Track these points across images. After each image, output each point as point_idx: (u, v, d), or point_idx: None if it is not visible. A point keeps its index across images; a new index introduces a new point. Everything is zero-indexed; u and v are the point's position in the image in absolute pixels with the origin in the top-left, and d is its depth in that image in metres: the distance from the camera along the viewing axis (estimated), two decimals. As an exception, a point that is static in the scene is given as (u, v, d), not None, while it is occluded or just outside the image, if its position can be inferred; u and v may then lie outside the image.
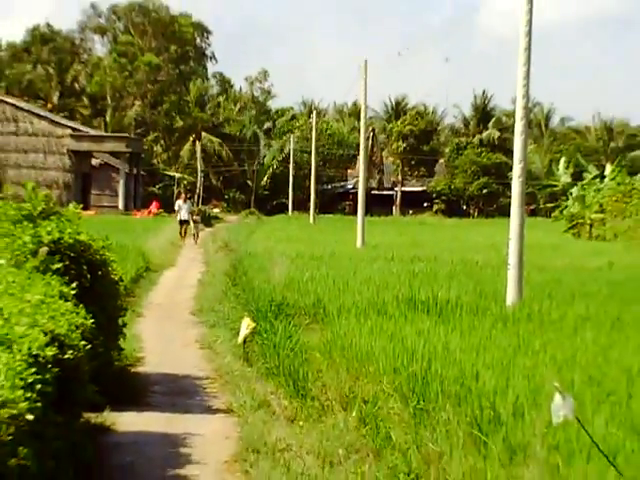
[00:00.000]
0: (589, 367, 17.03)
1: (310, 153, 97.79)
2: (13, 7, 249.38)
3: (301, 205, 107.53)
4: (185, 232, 64.37)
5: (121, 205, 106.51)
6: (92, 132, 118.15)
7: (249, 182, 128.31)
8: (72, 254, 18.19)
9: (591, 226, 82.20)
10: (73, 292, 15.56)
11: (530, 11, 27.74)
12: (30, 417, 9.09)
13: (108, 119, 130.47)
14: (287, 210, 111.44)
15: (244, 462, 15.08)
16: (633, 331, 22.13)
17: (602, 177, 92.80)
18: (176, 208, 68.88)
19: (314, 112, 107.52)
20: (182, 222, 65.66)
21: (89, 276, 18.45)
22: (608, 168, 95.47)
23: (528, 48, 28.19)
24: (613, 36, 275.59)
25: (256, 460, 14.84)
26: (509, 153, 33.30)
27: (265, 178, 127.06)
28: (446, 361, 17.39)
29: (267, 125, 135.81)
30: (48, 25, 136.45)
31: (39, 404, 9.52)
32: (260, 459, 14.83)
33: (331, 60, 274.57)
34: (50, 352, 10.86)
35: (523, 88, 28.87)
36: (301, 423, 17.21)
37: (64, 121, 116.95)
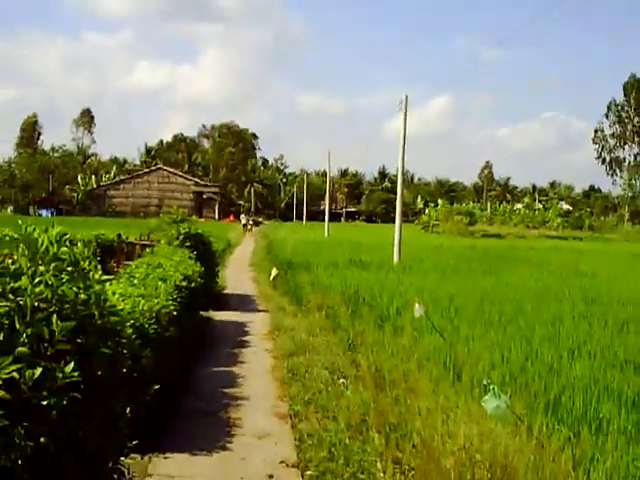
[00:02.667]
0: (431, 292, 22.00)
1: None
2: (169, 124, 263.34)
3: (299, 217, 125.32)
4: (245, 230, 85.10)
5: (216, 217, 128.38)
6: (202, 183, 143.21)
7: (275, 205, 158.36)
8: (194, 238, 23.89)
9: (433, 226, 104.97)
10: (194, 255, 20.74)
11: (404, 127, 36.54)
12: (175, 313, 11.89)
13: (210, 177, 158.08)
14: (292, 219, 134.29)
15: (273, 334, 19.95)
16: (451, 276, 28.07)
17: (436, 205, 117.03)
18: (241, 218, 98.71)
19: (305, 175, 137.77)
20: (244, 225, 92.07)
21: (201, 248, 23.87)
22: (440, 201, 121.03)
23: (403, 145, 37.05)
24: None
25: (278, 334, 19.58)
26: (395, 193, 41.95)
27: (282, 204, 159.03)
28: (365, 288, 22.50)
29: (284, 180, 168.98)
30: (182, 134, 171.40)
31: (180, 307, 12.61)
32: (280, 333, 19.51)
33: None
34: (184, 283, 14.64)
35: (401, 162, 38.39)
36: (299, 317, 22.02)
37: (190, 177, 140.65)
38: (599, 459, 7.79)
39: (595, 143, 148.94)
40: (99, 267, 6.14)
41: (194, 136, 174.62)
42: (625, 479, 7.38)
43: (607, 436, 8.68)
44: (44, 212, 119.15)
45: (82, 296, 5.31)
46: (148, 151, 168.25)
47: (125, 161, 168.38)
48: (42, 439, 4.15)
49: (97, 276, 5.94)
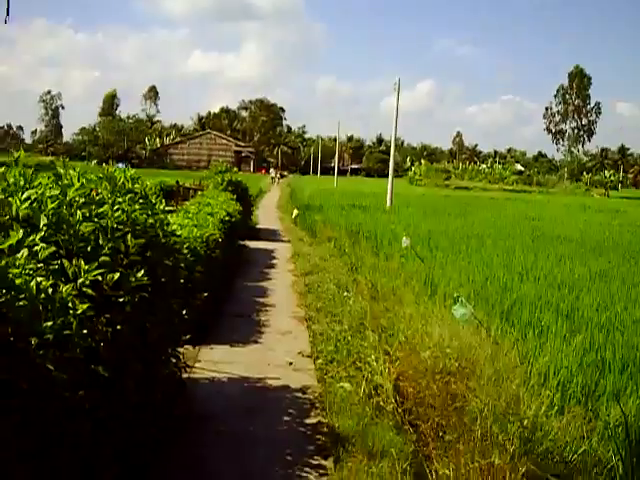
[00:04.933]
0: (415, 228, 22.02)
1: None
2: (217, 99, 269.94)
3: (315, 172, 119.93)
4: (273, 181, 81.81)
5: (251, 170, 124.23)
6: (241, 144, 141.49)
7: (297, 163, 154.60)
8: (234, 184, 23.67)
9: (417, 181, 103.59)
10: (234, 197, 20.48)
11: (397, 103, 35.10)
12: (220, 239, 12.04)
13: (247, 140, 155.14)
14: (309, 174, 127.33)
15: (294, 258, 19.89)
16: (430, 217, 27.96)
17: (420, 164, 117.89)
18: (270, 172, 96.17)
19: (320, 140, 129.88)
20: (272, 178, 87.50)
21: (240, 191, 23.70)
22: (423, 161, 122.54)
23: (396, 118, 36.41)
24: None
25: (298, 258, 19.59)
26: (389, 154, 40.76)
27: (302, 162, 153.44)
28: (364, 225, 22.49)
29: (304, 143, 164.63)
30: (226, 107, 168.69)
31: (223, 235, 12.77)
32: (299, 258, 19.50)
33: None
34: (227, 218, 14.74)
35: (394, 130, 37.79)
36: (313, 246, 21.98)
37: (231, 140, 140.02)
38: (540, 354, 7.82)
39: (545, 118, 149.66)
40: (163, 201, 6.26)
41: (235, 109, 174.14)
42: (559, 369, 7.39)
43: (547, 338, 8.72)
44: (120, 165, 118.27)
45: (150, 220, 5.48)
46: (200, 119, 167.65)
47: (182, 127, 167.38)
48: (119, 327, 4.24)
49: (161, 207, 6.07)
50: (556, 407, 6.46)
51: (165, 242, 5.90)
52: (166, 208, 6.45)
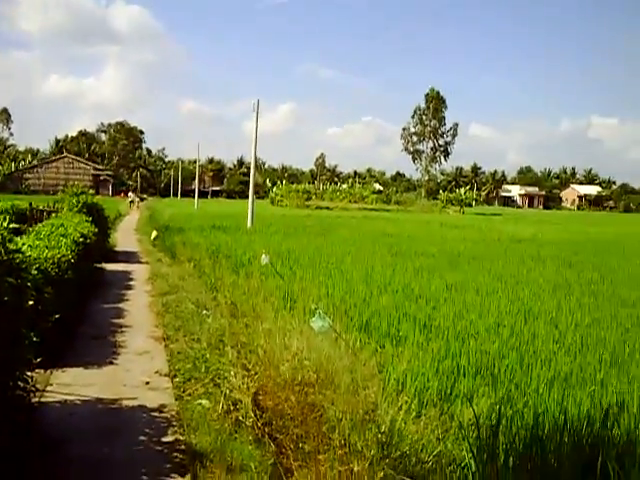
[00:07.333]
0: (275, 247, 21.96)
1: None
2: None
3: (175, 194, 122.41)
4: (132, 204, 78.30)
5: (110, 194, 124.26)
6: (100, 167, 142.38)
7: (156, 186, 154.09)
8: (89, 206, 23.21)
9: (278, 201, 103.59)
10: (90, 219, 20.09)
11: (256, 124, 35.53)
12: (73, 260, 11.93)
13: (106, 163, 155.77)
14: (170, 196, 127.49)
15: (152, 278, 19.66)
16: (291, 237, 28.29)
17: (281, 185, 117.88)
18: (129, 195, 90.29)
19: (180, 162, 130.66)
20: (131, 201, 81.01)
21: (96, 214, 23.19)
22: (284, 182, 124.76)
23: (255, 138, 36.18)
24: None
25: (156, 278, 19.38)
26: (249, 176, 39.70)
27: (162, 185, 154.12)
28: (224, 245, 22.14)
29: (164, 166, 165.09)
30: (85, 129, 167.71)
31: (77, 257, 12.70)
32: (157, 278, 19.30)
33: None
34: (81, 239, 14.67)
35: (254, 152, 37.43)
36: (173, 267, 21.74)
37: (89, 163, 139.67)
38: (398, 363, 7.92)
39: (402, 138, 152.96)
40: (7, 218, 6.02)
41: (94, 131, 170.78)
42: (416, 376, 7.49)
43: (404, 347, 8.84)
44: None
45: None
46: (57, 143, 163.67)
47: (38, 150, 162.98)
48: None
49: (4, 224, 5.83)
50: (414, 412, 6.51)
51: (7, 259, 5.64)
52: (12, 226, 6.21)
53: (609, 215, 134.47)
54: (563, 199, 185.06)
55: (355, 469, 5.49)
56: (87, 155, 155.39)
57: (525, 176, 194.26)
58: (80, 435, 7.28)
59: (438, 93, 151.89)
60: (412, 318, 11.02)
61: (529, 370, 8.16)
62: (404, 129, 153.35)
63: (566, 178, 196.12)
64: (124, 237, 35.08)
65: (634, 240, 39.63)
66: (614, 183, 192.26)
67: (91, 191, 27.45)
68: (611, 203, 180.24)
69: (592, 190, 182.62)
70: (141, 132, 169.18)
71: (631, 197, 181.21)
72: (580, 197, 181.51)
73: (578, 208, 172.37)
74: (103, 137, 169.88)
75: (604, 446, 4.93)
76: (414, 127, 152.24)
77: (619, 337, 10.47)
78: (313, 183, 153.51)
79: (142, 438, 7.19)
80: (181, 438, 7.17)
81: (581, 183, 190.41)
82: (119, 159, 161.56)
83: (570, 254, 26.36)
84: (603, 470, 4.54)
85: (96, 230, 19.09)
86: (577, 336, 10.27)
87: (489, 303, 13.08)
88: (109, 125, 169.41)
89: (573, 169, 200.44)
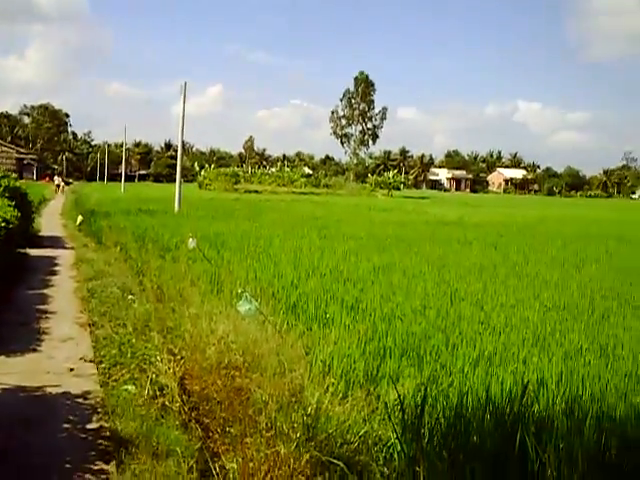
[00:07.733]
0: (203, 231, 21.62)
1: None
2: None
3: (102, 179, 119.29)
4: (57, 188, 76.49)
5: (34, 178, 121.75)
6: (23, 151, 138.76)
7: (82, 170, 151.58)
8: (12, 190, 22.55)
9: (206, 185, 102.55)
10: (13, 203, 19.24)
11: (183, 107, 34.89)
12: None
13: (30, 146, 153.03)
14: (96, 180, 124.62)
15: (78, 264, 19.34)
16: (219, 220, 28.69)
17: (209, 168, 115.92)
18: (54, 179, 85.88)
19: (106, 146, 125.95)
20: (57, 185, 78.85)
21: (19, 198, 22.60)
22: (212, 166, 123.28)
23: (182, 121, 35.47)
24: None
25: (81, 264, 19.03)
26: (177, 159, 39.31)
27: (88, 169, 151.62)
28: (151, 229, 21.65)
29: (90, 149, 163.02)
30: (6, 112, 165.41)
31: None
32: (83, 264, 18.95)
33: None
34: (3, 224, 14.56)
35: (181, 135, 36.90)
36: (99, 252, 21.48)
37: (12, 147, 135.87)
38: (325, 345, 7.93)
39: (332, 122, 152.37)
40: None
41: (16, 114, 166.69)
42: (343, 358, 7.52)
43: (331, 329, 8.85)
44: None
45: None
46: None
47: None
48: None
49: None
50: (340, 394, 6.50)
51: None
52: None
53: (533, 198, 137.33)
54: (490, 182, 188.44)
55: (281, 452, 5.50)
56: (10, 138, 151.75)
57: (453, 159, 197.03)
58: (0, 424, 7.13)
59: (367, 77, 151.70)
60: (339, 300, 11.04)
61: (454, 350, 8.23)
62: (333, 112, 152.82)
63: (492, 162, 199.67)
64: (49, 222, 34.43)
65: (556, 222, 40.62)
66: (538, 167, 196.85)
67: (14, 175, 26.79)
68: (535, 186, 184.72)
69: (517, 174, 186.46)
70: (66, 115, 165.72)
71: (554, 180, 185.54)
72: (506, 181, 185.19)
73: (504, 191, 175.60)
74: (26, 120, 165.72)
75: (523, 422, 5.02)
76: (343, 110, 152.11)
77: (541, 316, 10.71)
78: (242, 166, 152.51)
79: (66, 426, 7.07)
80: (106, 425, 7.07)
81: (507, 167, 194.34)
82: (43, 142, 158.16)
83: (495, 237, 26.77)
84: (522, 446, 4.64)
85: (19, 215, 18.66)
86: (502, 316, 10.44)
87: (416, 285, 13.17)
88: (32, 107, 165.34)
89: (499, 153, 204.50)
